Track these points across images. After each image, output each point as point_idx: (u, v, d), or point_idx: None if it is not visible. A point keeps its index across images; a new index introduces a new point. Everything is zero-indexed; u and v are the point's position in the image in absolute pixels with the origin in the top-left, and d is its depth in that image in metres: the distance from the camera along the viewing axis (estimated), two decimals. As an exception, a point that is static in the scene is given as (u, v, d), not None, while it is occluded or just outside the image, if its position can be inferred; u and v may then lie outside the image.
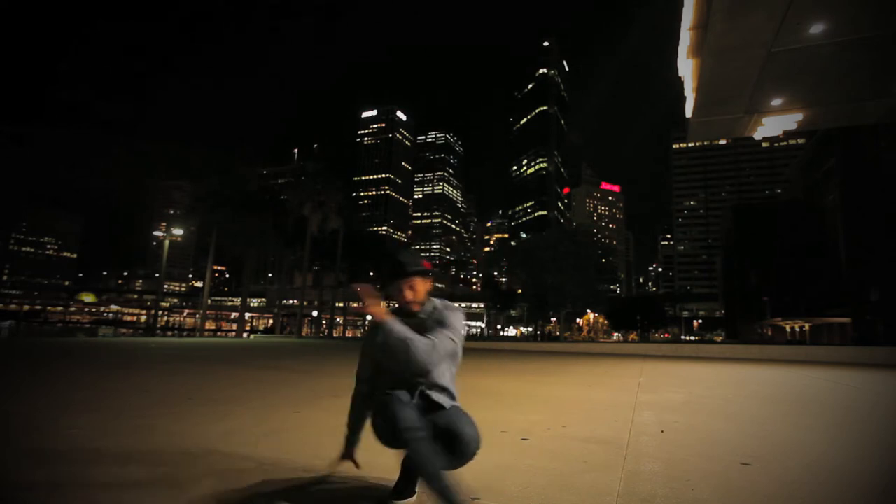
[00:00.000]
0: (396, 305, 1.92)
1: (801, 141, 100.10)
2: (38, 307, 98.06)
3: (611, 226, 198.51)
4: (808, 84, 7.99)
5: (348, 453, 2.03)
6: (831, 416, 4.43)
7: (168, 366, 8.05)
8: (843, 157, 38.85)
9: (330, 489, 2.05)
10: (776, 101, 8.57)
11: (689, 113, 9.08)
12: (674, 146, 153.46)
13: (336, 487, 2.06)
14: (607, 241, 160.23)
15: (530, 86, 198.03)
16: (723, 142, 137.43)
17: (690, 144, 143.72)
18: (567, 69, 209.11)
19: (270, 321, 67.00)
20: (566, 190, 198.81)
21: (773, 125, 9.36)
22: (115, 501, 1.84)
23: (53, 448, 2.58)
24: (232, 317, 77.32)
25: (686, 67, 8.26)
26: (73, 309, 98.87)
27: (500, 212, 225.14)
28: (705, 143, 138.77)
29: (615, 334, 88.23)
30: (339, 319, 51.97)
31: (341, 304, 48.98)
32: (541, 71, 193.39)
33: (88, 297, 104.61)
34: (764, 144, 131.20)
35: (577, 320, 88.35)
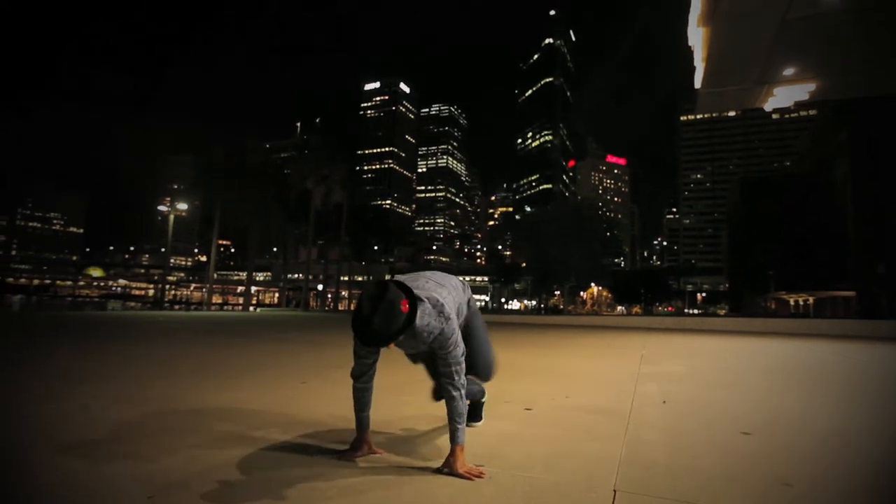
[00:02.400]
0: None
1: (812, 112, 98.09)
2: (48, 282, 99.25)
3: (616, 199, 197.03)
4: (822, 52, 7.76)
5: (361, 437, 2.08)
6: (833, 388, 4.47)
7: (177, 339, 8.18)
8: (855, 129, 38.11)
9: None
10: (789, 71, 8.33)
11: (698, 83, 8.85)
12: (681, 118, 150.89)
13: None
14: (612, 215, 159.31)
15: (536, 56, 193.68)
16: (731, 114, 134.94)
17: (698, 116, 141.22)
18: (574, 39, 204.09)
19: (276, 295, 67.50)
20: (571, 163, 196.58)
21: (785, 96, 9.12)
22: (128, 467, 1.90)
23: (67, 419, 2.64)
24: (238, 290, 78.00)
25: (696, 36, 8.02)
26: (81, 283, 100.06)
27: (505, 185, 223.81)
28: (713, 115, 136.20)
29: (619, 307, 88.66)
30: (345, 293, 52.34)
31: (346, 278, 49.25)
32: (547, 41, 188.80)
33: (96, 272, 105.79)
34: (774, 116, 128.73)
35: (581, 293, 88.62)
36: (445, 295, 2.06)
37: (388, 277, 2.20)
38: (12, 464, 1.93)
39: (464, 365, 2.01)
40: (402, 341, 1.92)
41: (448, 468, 1.89)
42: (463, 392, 1.96)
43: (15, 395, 3.18)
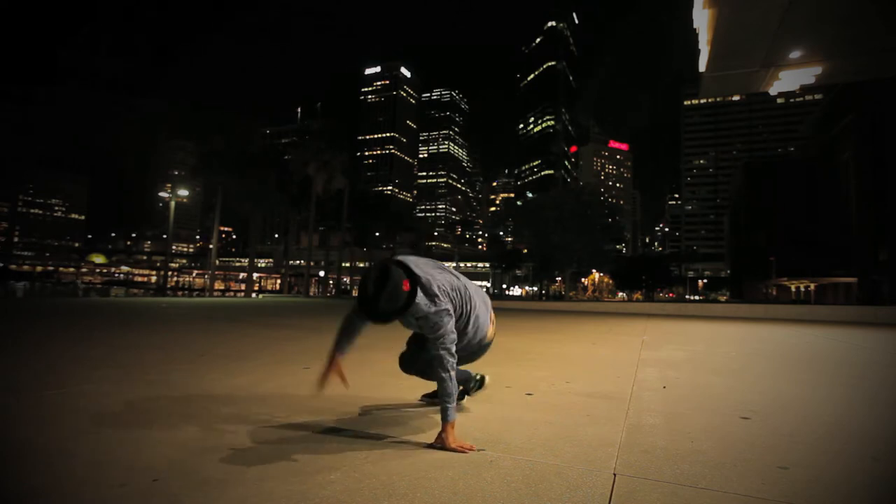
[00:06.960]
0: None
1: (817, 97, 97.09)
2: (51, 268, 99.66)
3: (618, 185, 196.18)
4: (830, 33, 7.63)
5: (333, 365, 2.26)
6: (832, 374, 4.48)
7: (180, 324, 8.22)
8: (861, 113, 37.67)
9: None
10: (795, 53, 8.21)
11: (702, 67, 8.74)
12: (685, 103, 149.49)
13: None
14: (614, 201, 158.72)
15: (538, 39, 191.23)
16: (736, 98, 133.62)
17: (702, 101, 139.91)
18: (576, 21, 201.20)
19: (278, 282, 67.72)
20: (573, 148, 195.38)
21: (790, 79, 9.00)
22: (130, 449, 1.92)
23: (72, 401, 2.67)
24: (240, 277, 78.31)
25: (701, 18, 7.90)
26: (84, 270, 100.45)
27: (507, 171, 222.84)
28: (717, 99, 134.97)
29: (620, 294, 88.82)
30: (346, 279, 52.45)
31: (347, 264, 49.33)
32: (549, 24, 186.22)
33: (99, 258, 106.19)
34: (779, 101, 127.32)
35: (583, 280, 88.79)
36: (437, 276, 2.17)
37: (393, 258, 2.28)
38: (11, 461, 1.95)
39: (453, 349, 2.08)
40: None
41: (440, 443, 1.99)
42: (452, 374, 2.04)
43: (15, 382, 3.21)
